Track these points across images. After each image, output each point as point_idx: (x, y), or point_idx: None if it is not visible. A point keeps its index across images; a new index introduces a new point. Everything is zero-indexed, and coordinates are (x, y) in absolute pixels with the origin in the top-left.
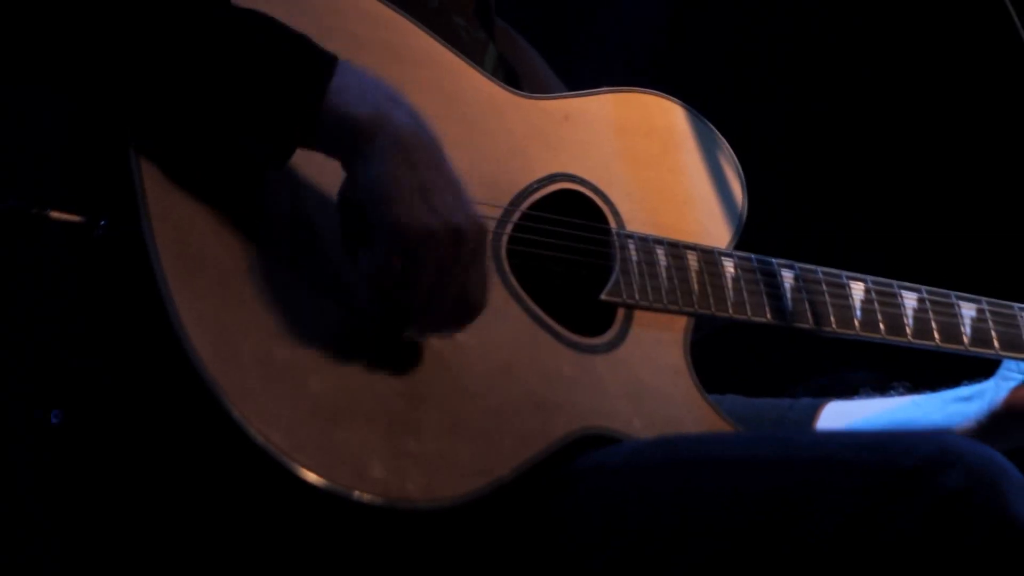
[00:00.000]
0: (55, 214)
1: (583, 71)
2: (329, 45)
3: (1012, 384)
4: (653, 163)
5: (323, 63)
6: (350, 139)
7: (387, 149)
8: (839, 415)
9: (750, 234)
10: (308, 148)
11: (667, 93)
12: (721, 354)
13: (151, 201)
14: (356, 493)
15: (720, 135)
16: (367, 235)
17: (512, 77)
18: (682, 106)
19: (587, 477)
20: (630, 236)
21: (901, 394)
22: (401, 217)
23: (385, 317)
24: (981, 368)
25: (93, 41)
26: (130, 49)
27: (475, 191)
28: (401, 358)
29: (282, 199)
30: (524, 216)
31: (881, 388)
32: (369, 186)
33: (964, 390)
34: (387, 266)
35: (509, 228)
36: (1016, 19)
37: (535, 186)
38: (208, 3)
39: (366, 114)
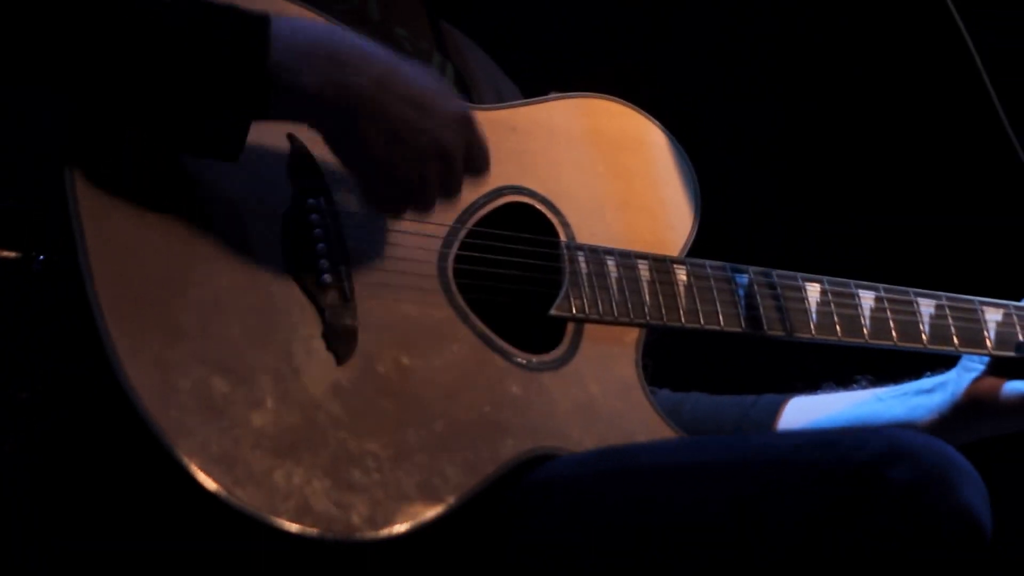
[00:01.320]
0: None
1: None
2: None
3: (973, 375)
4: (603, 170)
5: (256, 27)
6: (309, 111)
7: (351, 116)
8: (802, 411)
9: (736, 232)
10: (269, 120)
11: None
12: (691, 352)
13: (88, 233)
14: (301, 528)
15: (671, 136)
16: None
17: (460, 83)
18: (631, 108)
19: (537, 494)
20: (580, 248)
21: (864, 387)
22: (389, 167)
23: None
24: (943, 358)
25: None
26: (64, 52)
27: None
28: (345, 387)
29: (223, 230)
30: (471, 233)
31: (844, 382)
32: (356, 157)
33: (926, 382)
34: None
35: (456, 246)
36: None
37: (482, 201)
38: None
39: (317, 85)
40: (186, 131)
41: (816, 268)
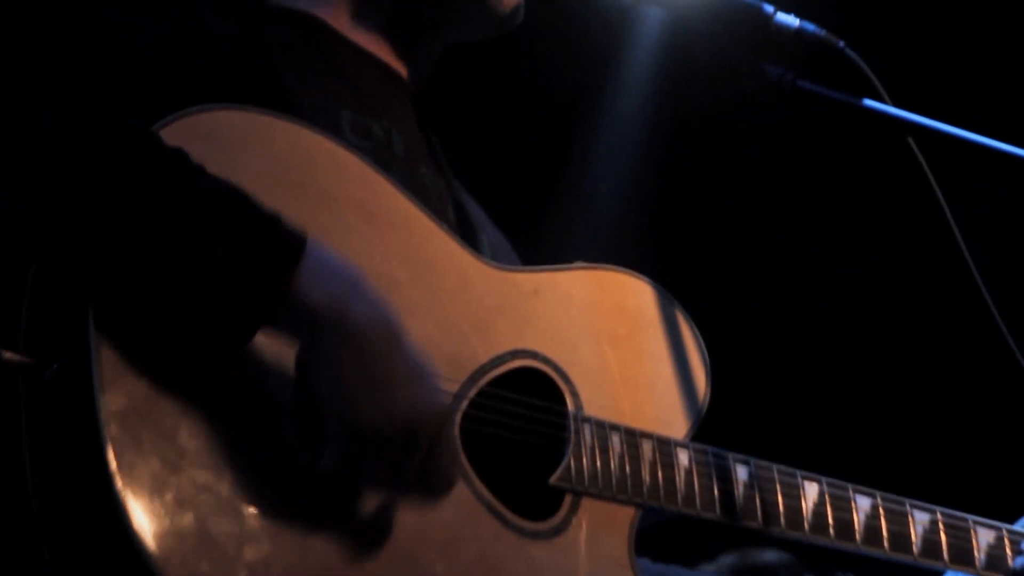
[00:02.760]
0: (7, 355)
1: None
2: (303, 199)
3: None
4: (619, 345)
5: (291, 249)
6: (307, 327)
7: (340, 343)
8: None
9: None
10: (268, 328)
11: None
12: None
13: (103, 354)
14: None
15: (691, 321)
16: (322, 429)
17: (468, 227)
18: (655, 288)
19: None
20: (587, 420)
21: None
22: (351, 416)
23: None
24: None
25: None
26: (101, 217)
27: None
28: (336, 533)
29: (238, 368)
30: (481, 393)
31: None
32: (321, 382)
33: None
34: (344, 463)
35: (464, 405)
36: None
37: (496, 362)
38: (185, 176)
39: (323, 303)
40: (191, 326)
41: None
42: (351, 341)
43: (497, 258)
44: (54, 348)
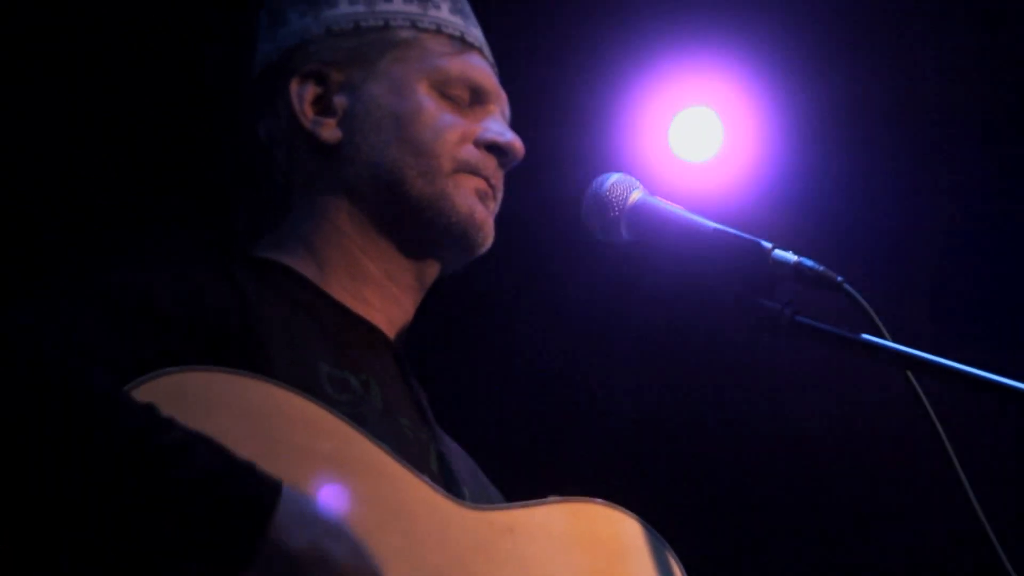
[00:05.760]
0: None
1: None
2: (271, 455)
3: None
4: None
5: (266, 494)
6: (288, 571)
7: None
8: None
9: None
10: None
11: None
12: None
13: None
14: None
15: (666, 542)
16: None
17: (451, 479)
18: (630, 516)
19: None
20: None
21: None
22: None
23: None
24: None
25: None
26: (65, 473)
27: None
28: None
29: None
30: None
31: None
32: None
33: None
34: None
35: None
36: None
37: None
38: (154, 427)
39: (303, 549)
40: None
41: None
42: None
43: None
44: None
